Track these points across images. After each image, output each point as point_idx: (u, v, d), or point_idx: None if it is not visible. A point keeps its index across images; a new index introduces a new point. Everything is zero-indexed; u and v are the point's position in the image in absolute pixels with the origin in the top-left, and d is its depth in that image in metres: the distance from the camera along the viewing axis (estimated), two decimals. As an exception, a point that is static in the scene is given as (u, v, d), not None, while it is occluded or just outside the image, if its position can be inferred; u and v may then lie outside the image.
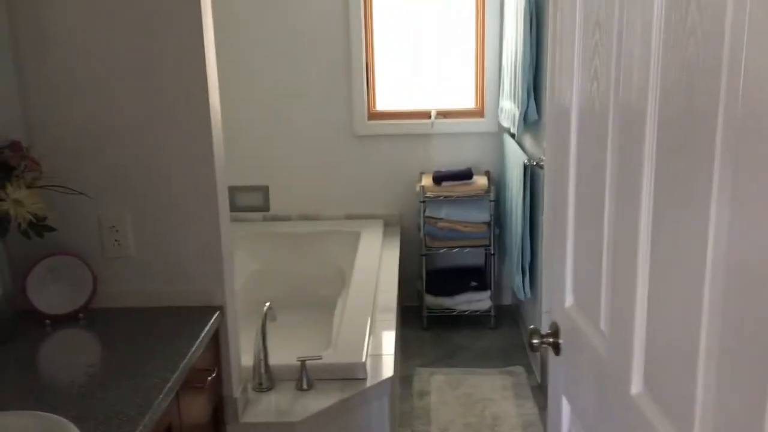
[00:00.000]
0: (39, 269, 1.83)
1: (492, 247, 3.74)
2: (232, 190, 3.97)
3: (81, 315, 1.86)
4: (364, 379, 2.24)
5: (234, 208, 3.98)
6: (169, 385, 1.52)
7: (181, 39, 1.78)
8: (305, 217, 3.98)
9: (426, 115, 3.89)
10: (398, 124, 3.90)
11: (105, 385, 1.52)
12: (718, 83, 0.75)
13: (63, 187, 1.76)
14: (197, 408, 1.78)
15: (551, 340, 1.37)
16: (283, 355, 2.27)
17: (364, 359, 2.26)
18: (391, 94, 3.94)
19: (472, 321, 3.84)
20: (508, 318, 3.92)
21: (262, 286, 3.61)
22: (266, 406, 2.11)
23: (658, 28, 0.91)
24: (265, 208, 4.00)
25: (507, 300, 4.05)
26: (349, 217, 3.97)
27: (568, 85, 1.28)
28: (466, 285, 3.81)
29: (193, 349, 1.68)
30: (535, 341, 1.37)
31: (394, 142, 3.91)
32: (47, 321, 1.82)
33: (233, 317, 2.01)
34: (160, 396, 1.47)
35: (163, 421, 1.52)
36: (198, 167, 1.85)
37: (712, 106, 0.77)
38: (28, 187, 1.65)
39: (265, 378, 2.18)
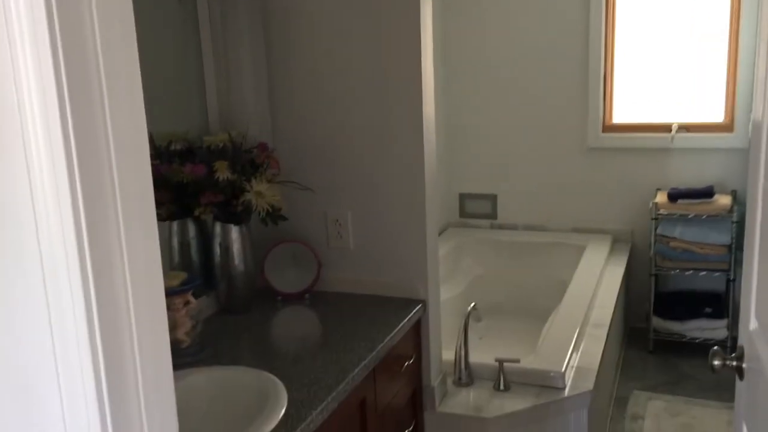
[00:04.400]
0: (275, 253, 2.15)
1: (732, 272, 3.45)
2: (463, 197, 4.17)
3: (306, 295, 2.14)
4: (563, 389, 2.25)
5: (463, 214, 4.17)
6: (364, 362, 1.70)
7: (403, 60, 1.97)
8: (531, 227, 4.02)
9: (666, 128, 3.70)
10: (634, 137, 3.76)
11: (314, 355, 1.75)
12: None
13: (296, 183, 2.05)
14: (394, 389, 1.95)
15: (735, 363, 1.30)
16: (488, 354, 2.37)
17: (563, 369, 2.27)
18: (629, 106, 3.82)
19: (704, 349, 3.56)
20: (749, 352, 3.56)
21: (484, 290, 3.73)
22: (462, 400, 2.22)
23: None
24: (493, 215, 4.11)
25: (750, 332, 3.69)
26: (577, 230, 3.92)
27: None
28: (700, 311, 3.55)
29: (391, 335, 1.86)
30: (716, 362, 1.32)
31: (629, 156, 3.78)
32: (279, 297, 2.13)
33: (435, 312, 2.16)
34: (355, 370, 1.66)
35: (358, 394, 1.71)
36: (410, 175, 2.03)
37: None
38: (269, 182, 1.95)
39: (465, 374, 2.30)
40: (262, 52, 2.11)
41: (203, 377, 1.62)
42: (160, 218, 1.91)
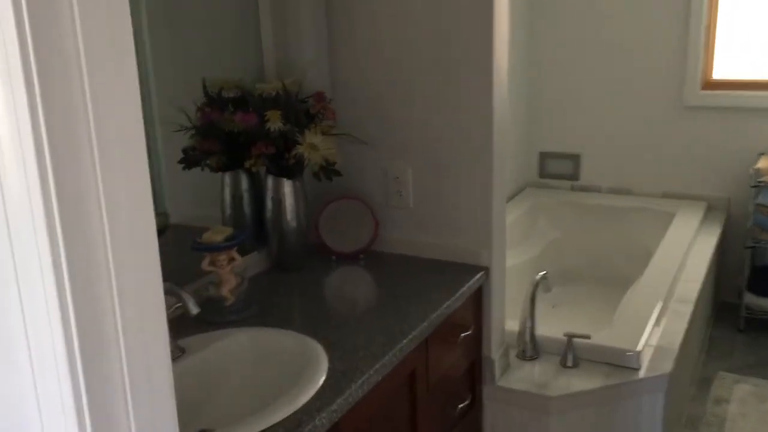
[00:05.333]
0: (330, 209, 2.04)
1: (843, 249, 3.11)
2: (543, 156, 3.94)
3: (361, 255, 2.03)
4: (637, 370, 2.06)
5: (543, 174, 3.94)
6: (414, 332, 1.58)
7: (472, 7, 1.78)
8: (616, 191, 3.75)
9: (775, 86, 3.33)
10: (738, 95, 3.40)
11: (361, 320, 1.64)
12: None
13: (351, 136, 1.92)
14: (449, 361, 1.82)
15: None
16: (558, 327, 2.20)
17: (639, 348, 2.07)
18: (731, 60, 3.46)
19: (804, 332, 3.26)
20: None
21: (560, 255, 3.52)
22: (525, 375, 2.07)
23: None
24: (575, 176, 3.87)
25: None
26: (667, 195, 3.63)
27: None
28: (801, 289, 3.23)
29: (447, 303, 1.72)
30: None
31: (730, 116, 3.43)
32: (333, 257, 2.03)
33: (500, 280, 2.00)
34: (404, 341, 1.54)
35: (407, 365, 1.59)
36: (477, 131, 1.86)
37: None
38: (323, 134, 1.83)
39: (529, 347, 2.14)
40: (322, 1, 1.96)
41: (244, 338, 1.54)
42: (211, 169, 1.83)
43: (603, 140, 3.73)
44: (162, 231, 1.70)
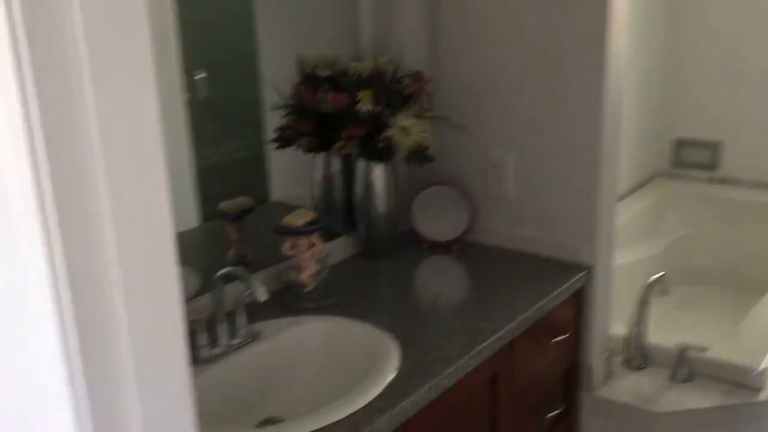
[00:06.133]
0: (424, 196, 1.94)
1: None
2: (679, 144, 3.61)
3: (454, 245, 1.92)
4: (760, 390, 1.82)
5: (677, 163, 3.62)
6: (498, 334, 1.46)
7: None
8: (762, 185, 3.37)
9: None
10: None
11: (443, 316, 1.55)
12: None
13: (448, 120, 1.81)
14: (540, 366, 1.69)
15: None
16: (675, 333, 2.00)
17: (763, 366, 1.83)
18: None
19: None
20: None
21: (688, 254, 3.23)
22: (630, 386, 1.89)
23: None
24: (713, 166, 3.51)
25: None
26: (825, 192, 3.21)
27: None
28: None
29: (538, 305, 1.59)
30: None
31: None
32: (424, 245, 1.93)
33: (605, 280, 1.83)
34: (484, 343, 1.43)
35: (488, 368, 1.48)
36: (585, 119, 1.70)
37: None
38: (417, 116, 1.73)
39: (637, 355, 1.96)
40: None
41: (318, 327, 1.49)
42: (304, 149, 1.79)
43: (750, 126, 3.34)
44: (249, 211, 1.69)
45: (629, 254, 2.95)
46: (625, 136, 3.15)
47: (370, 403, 1.23)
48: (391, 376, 1.30)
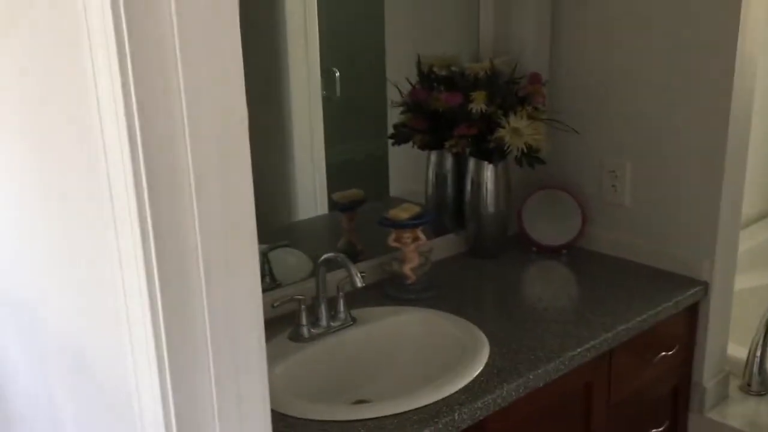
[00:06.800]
0: (536, 198, 1.93)
1: None
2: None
3: (564, 251, 1.90)
4: None
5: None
6: (592, 342, 1.44)
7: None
8: None
9: None
10: None
11: (540, 320, 1.54)
12: None
13: (560, 122, 1.79)
14: (642, 380, 1.64)
15: None
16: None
17: None
18: None
19: None
20: None
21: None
22: (745, 411, 1.78)
23: None
24: None
25: None
26: None
27: None
28: None
29: (643, 317, 1.54)
30: None
31: None
32: (533, 248, 1.92)
33: (723, 298, 1.74)
34: (577, 350, 1.41)
35: (581, 376, 1.46)
36: (709, 130, 1.62)
37: None
38: (531, 118, 1.73)
39: (757, 380, 1.84)
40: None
41: (414, 317, 1.54)
42: (417, 146, 1.84)
43: None
44: (361, 202, 1.76)
45: (764, 277, 2.75)
46: (759, 157, 2.95)
47: (452, 394, 1.26)
48: (477, 371, 1.32)
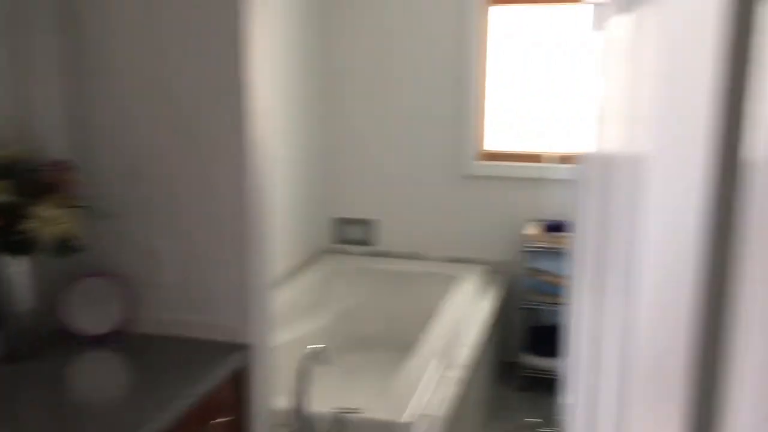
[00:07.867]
0: (78, 287, 1.85)
1: (602, 308, 3.38)
2: (339, 222, 3.96)
3: (114, 338, 1.86)
4: (405, 442, 2.05)
5: (339, 240, 3.96)
6: (149, 425, 1.44)
7: (222, 75, 1.75)
8: (407, 256, 3.85)
9: (540, 158, 3.63)
10: (509, 166, 3.67)
11: (92, 415, 1.48)
12: None
13: (93, 207, 1.78)
14: (202, 451, 1.70)
15: None
16: (343, 400, 2.15)
17: (405, 419, 2.07)
18: (504, 134, 3.73)
19: (576, 386, 3.47)
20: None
21: (357, 322, 3.53)
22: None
23: None
24: (369, 242, 3.92)
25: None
26: (453, 260, 3.77)
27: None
28: (571, 346, 3.47)
29: (195, 390, 1.60)
30: None
31: (502, 185, 3.68)
32: (80, 341, 1.83)
33: (265, 357, 1.92)
34: (131, 438, 1.40)
35: (142, 462, 1.44)
36: (229, 202, 1.80)
37: None
38: (60, 206, 1.67)
39: (301, 426, 2.07)
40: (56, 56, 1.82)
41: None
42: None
43: (396, 207, 3.83)
44: None
45: (300, 328, 3.12)
46: (288, 217, 3.39)
47: None
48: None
